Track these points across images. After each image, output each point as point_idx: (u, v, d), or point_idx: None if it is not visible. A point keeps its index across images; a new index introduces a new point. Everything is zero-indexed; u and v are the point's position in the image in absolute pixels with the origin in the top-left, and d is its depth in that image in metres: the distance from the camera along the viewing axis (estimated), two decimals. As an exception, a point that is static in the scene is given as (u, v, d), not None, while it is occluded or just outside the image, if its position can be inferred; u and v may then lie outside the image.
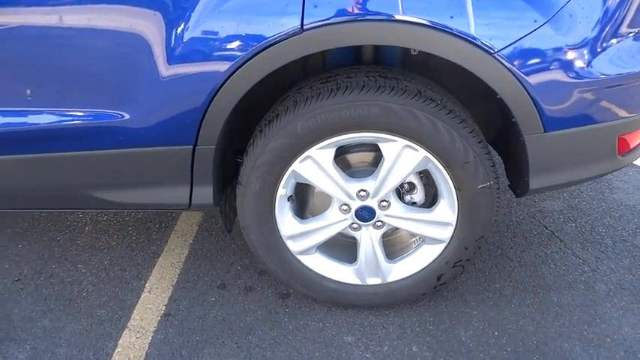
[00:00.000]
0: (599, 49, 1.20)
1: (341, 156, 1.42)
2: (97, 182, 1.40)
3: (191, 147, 1.33)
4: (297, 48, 1.17)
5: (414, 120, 1.25)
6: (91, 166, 1.36)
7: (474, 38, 1.14)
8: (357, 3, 1.13)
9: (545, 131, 1.26)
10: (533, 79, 1.19)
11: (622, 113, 1.31)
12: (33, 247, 1.84)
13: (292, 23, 1.14)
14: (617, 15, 1.20)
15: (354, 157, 1.44)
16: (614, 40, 1.22)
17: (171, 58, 1.21)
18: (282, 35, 1.16)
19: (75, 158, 1.34)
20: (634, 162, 1.40)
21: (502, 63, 1.16)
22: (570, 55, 1.19)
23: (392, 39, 1.18)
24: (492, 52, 1.15)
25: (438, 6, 1.14)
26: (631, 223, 1.90)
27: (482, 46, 1.15)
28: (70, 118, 1.30)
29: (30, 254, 1.80)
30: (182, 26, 1.19)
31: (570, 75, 1.20)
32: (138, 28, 1.20)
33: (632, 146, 1.41)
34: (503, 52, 1.15)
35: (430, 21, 1.13)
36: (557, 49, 1.18)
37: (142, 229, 1.92)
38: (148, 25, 1.19)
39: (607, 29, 1.20)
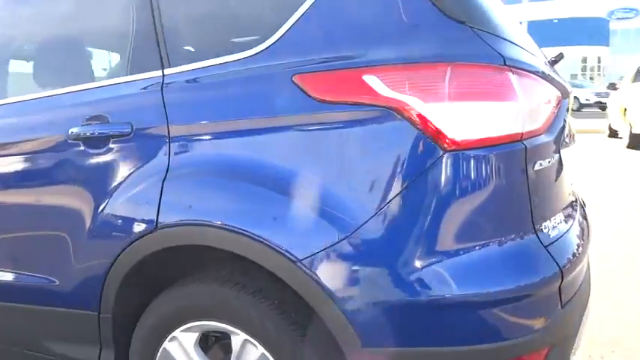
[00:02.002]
0: (410, 268, 1.19)
1: (223, 341, 1.54)
2: (37, 330, 1.75)
3: (96, 314, 1.60)
4: (155, 242, 1.44)
5: (247, 316, 1.35)
6: (31, 317, 1.73)
7: (279, 247, 1.26)
8: (187, 210, 1.39)
9: (362, 346, 1.23)
10: (338, 292, 1.22)
11: (467, 339, 1.20)
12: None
13: (151, 223, 1.43)
14: (434, 231, 1.19)
15: (226, 345, 1.53)
16: (431, 259, 1.19)
17: (86, 236, 1.55)
18: (146, 231, 1.44)
19: (18, 309, 1.73)
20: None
21: (305, 272, 1.24)
22: (376, 271, 1.20)
23: (216, 243, 1.36)
24: (295, 260, 1.25)
25: (256, 217, 1.31)
26: None
27: (286, 254, 1.26)
28: (20, 278, 1.72)
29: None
30: (97, 209, 1.53)
31: (377, 291, 1.20)
32: (70, 207, 1.58)
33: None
34: (305, 261, 1.24)
35: (244, 229, 1.30)
36: (360, 265, 1.21)
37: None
38: (77, 205, 1.56)
39: (421, 247, 1.19)
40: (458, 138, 1.18)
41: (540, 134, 1.32)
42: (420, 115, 1.18)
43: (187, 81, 1.45)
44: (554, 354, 1.30)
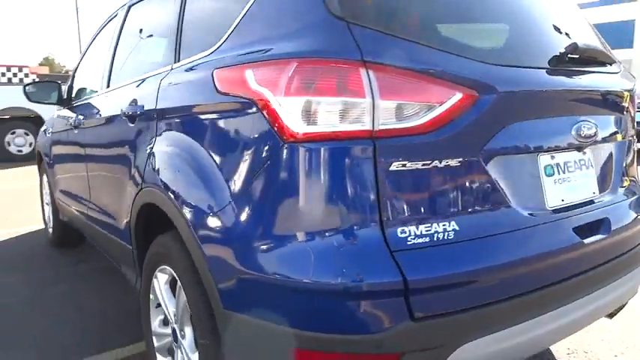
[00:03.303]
0: (251, 248, 1.30)
1: None
2: (115, 253, 2.39)
3: (131, 248, 2.12)
4: (141, 199, 1.85)
5: (176, 266, 1.64)
6: (112, 243, 2.37)
7: (182, 212, 1.52)
8: (149, 176, 1.74)
9: (223, 308, 1.39)
10: (209, 256, 1.41)
11: (300, 323, 1.24)
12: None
13: (140, 184, 1.84)
14: (271, 217, 1.27)
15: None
16: (268, 242, 1.27)
17: (125, 187, 2.07)
18: (139, 189, 1.87)
19: (106, 236, 2.40)
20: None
21: (193, 235, 1.46)
22: (231, 245, 1.35)
23: (158, 203, 1.69)
24: (189, 225, 1.48)
25: (174, 185, 1.60)
26: None
27: (185, 219, 1.50)
28: (107, 217, 2.37)
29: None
30: (129, 169, 2.03)
31: (237, 263, 1.33)
32: (120, 165, 2.12)
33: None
34: (193, 226, 1.47)
35: (168, 194, 1.60)
36: (223, 237, 1.37)
37: None
38: (123, 164, 2.09)
39: (260, 230, 1.28)
40: (296, 130, 1.23)
41: (417, 134, 1.23)
42: (268, 108, 1.28)
43: (169, 74, 1.80)
44: None
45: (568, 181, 1.53)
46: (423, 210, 1.25)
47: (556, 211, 1.48)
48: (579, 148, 1.57)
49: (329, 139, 1.22)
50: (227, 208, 1.38)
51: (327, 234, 1.23)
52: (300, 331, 1.24)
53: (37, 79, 10.13)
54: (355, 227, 1.22)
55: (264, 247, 1.30)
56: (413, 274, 1.20)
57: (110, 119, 2.34)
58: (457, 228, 1.28)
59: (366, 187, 1.21)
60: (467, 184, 1.31)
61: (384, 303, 1.20)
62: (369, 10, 1.30)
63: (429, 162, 1.25)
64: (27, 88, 3.23)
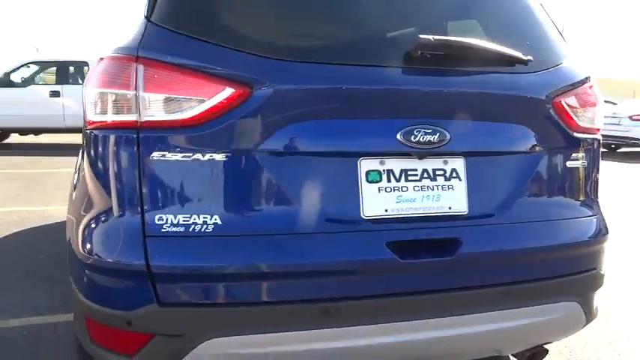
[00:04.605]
0: (72, 221, 1.46)
1: None
2: None
3: None
4: None
5: None
6: None
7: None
8: None
9: (70, 275, 1.57)
10: (67, 224, 1.63)
11: (81, 291, 1.36)
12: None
13: None
14: (81, 198, 1.42)
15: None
16: (78, 219, 1.40)
17: None
18: None
19: None
20: None
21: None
22: (71, 222, 1.52)
23: None
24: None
25: None
26: None
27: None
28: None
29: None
30: None
31: (71, 237, 1.50)
32: None
33: (105, 342, 1.35)
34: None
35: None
36: (73, 212, 1.55)
37: None
38: None
39: (75, 208, 1.45)
40: (89, 119, 1.36)
41: (184, 127, 1.27)
42: (86, 98, 1.43)
43: None
44: (157, 345, 1.28)
45: (403, 190, 1.37)
46: (183, 200, 1.28)
47: (375, 221, 1.34)
48: (421, 156, 1.39)
49: (106, 128, 1.33)
50: (76, 186, 1.59)
51: (96, 214, 1.35)
52: (82, 297, 1.37)
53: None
54: (118, 210, 1.31)
55: (71, 222, 1.47)
56: (160, 260, 1.25)
57: None
58: (219, 222, 1.27)
59: (131, 174, 1.29)
60: (237, 180, 1.29)
61: (133, 284, 1.27)
62: (171, 11, 1.36)
63: (193, 155, 1.27)
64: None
